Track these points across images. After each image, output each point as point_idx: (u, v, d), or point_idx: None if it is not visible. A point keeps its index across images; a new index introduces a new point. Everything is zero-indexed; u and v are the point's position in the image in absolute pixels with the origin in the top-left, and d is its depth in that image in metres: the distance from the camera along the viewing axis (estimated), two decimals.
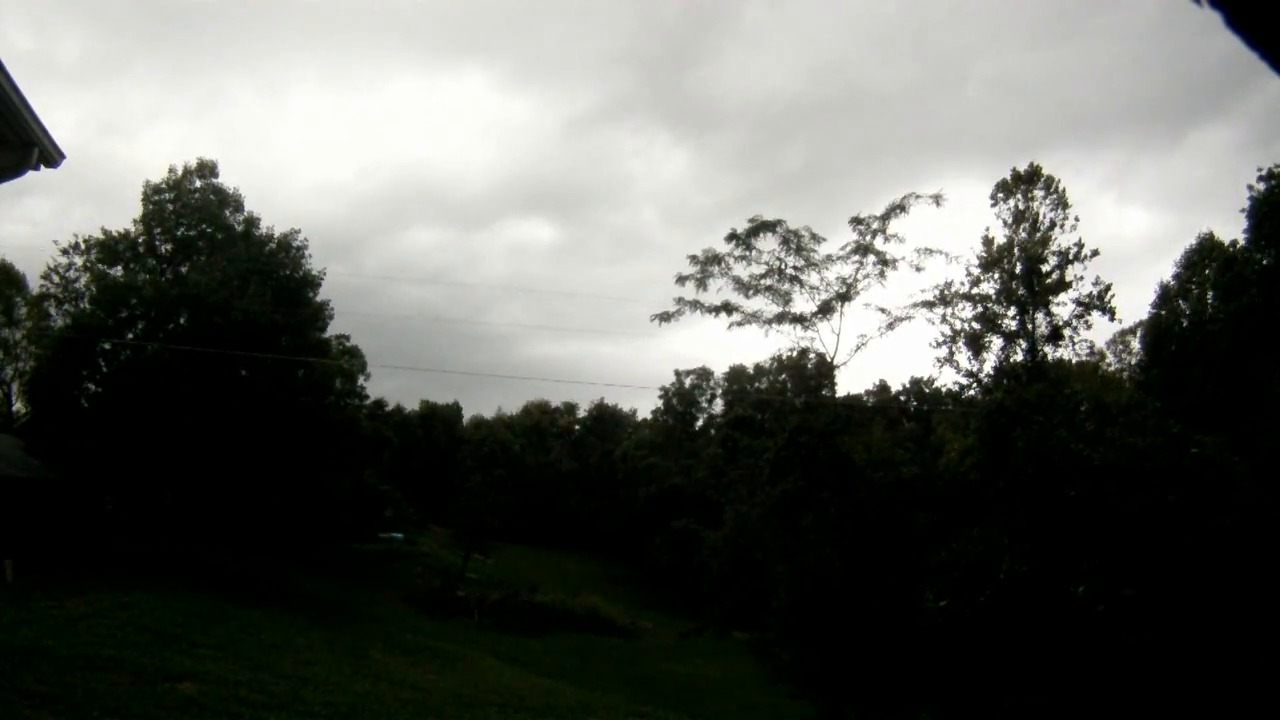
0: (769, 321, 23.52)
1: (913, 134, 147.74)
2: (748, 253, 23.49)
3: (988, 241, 28.72)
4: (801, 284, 23.48)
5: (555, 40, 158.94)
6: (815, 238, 23.64)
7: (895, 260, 23.42)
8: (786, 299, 23.51)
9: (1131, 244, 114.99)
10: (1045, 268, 27.86)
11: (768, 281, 23.50)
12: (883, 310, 23.85)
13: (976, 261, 28.28)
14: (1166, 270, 33.32)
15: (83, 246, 37.18)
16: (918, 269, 23.66)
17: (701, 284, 23.50)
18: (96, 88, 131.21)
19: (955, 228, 70.90)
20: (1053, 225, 28.31)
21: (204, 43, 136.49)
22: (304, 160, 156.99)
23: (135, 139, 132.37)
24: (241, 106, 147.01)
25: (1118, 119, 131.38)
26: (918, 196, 23.26)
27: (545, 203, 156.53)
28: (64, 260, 37.09)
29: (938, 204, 23.19)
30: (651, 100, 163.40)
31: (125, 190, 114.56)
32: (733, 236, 23.50)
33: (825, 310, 23.45)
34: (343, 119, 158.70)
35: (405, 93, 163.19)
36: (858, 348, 24.16)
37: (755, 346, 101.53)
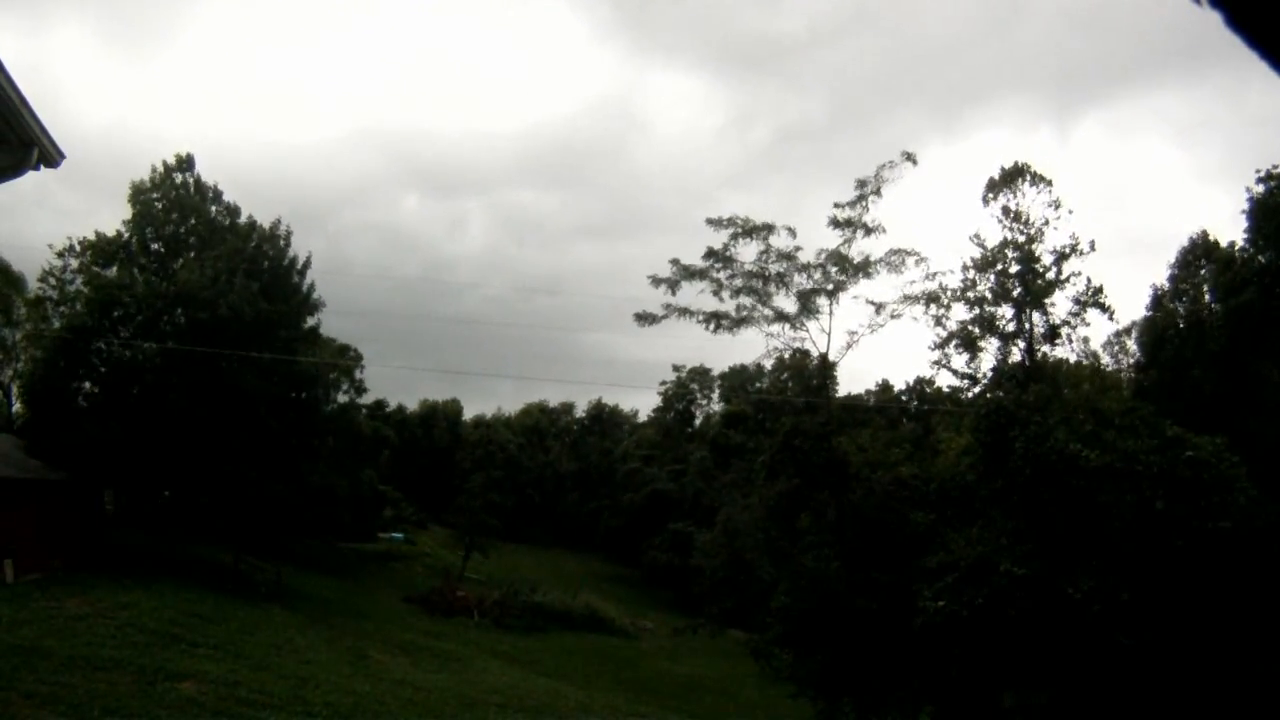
0: (739, 322, 23.22)
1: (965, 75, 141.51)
2: (728, 265, 23.21)
3: (979, 241, 28.64)
4: (786, 285, 23.20)
5: None
6: (793, 233, 23.40)
7: (874, 264, 23.07)
8: (765, 299, 23.20)
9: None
10: (1039, 266, 27.79)
11: (748, 284, 23.16)
12: (875, 305, 23.55)
13: (970, 261, 28.17)
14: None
15: (77, 249, 37.18)
16: (898, 271, 23.31)
17: (673, 290, 23.06)
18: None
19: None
20: (1046, 222, 28.27)
21: None
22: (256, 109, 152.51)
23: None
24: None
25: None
26: (892, 164, 22.69)
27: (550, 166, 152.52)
28: (59, 264, 37.07)
29: (913, 163, 22.76)
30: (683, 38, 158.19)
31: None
32: (710, 254, 23.19)
33: (807, 310, 23.14)
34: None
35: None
36: (849, 345, 23.97)
37: (751, 345, 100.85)
